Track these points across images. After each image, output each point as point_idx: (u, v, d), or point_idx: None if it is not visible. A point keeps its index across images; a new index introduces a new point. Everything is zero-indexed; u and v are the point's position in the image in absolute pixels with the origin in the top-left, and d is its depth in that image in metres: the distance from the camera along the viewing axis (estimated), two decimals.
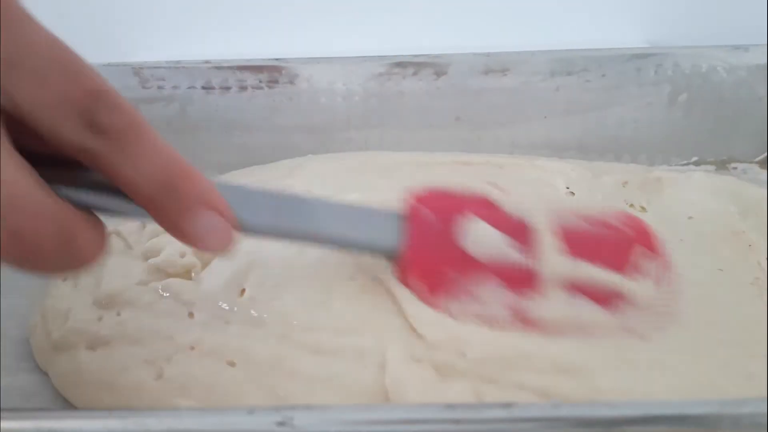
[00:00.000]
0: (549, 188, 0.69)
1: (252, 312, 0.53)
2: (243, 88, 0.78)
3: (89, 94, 0.35)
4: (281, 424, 0.36)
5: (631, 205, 0.68)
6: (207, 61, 0.77)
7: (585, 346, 0.50)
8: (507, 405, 0.36)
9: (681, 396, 0.45)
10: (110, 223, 0.40)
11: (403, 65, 0.77)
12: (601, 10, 0.80)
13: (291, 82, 0.77)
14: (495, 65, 0.77)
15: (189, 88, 0.78)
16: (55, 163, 0.37)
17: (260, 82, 0.78)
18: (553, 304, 0.51)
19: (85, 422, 0.36)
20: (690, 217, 0.67)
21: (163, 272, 0.57)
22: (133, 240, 0.62)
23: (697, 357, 0.49)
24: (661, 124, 0.77)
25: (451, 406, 0.36)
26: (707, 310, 0.55)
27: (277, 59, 0.77)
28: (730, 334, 0.52)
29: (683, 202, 0.69)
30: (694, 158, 0.78)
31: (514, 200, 0.57)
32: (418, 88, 0.78)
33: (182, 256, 0.57)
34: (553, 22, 0.80)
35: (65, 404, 0.50)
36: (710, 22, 0.79)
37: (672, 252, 0.62)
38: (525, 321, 0.50)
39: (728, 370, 0.48)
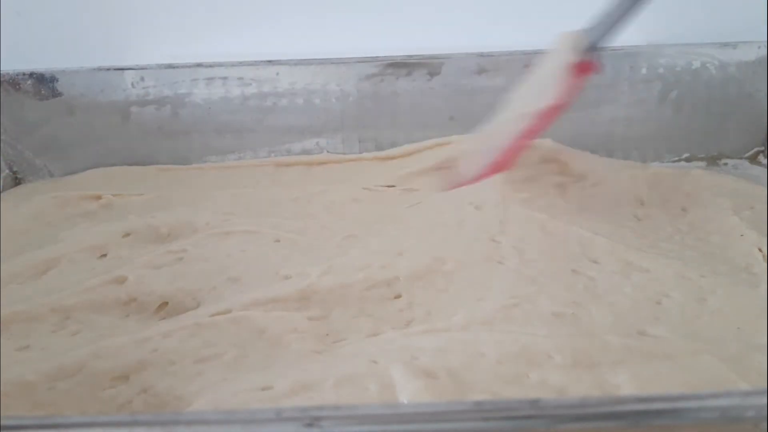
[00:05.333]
0: None
1: None
2: (236, 90, 0.78)
3: None
4: (309, 425, 0.36)
5: None
6: (199, 64, 0.77)
7: (598, 341, 0.50)
8: (534, 401, 0.36)
9: (694, 389, 0.46)
10: None
11: (397, 66, 0.77)
12: (594, 10, 0.80)
13: (285, 84, 0.77)
14: (488, 65, 0.77)
15: (181, 90, 0.77)
16: None
17: (253, 83, 0.77)
18: None
19: (110, 429, 0.35)
20: (683, 209, 0.68)
21: None
22: None
23: (708, 349, 0.50)
24: (652, 121, 0.78)
25: (479, 403, 0.36)
26: (708, 299, 0.56)
27: (270, 61, 0.77)
28: (735, 324, 0.53)
29: (679, 196, 0.70)
30: (686, 154, 0.79)
31: None
32: (411, 88, 0.78)
33: None
34: (545, 22, 0.80)
35: None
36: (701, 20, 0.80)
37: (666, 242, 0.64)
38: None
39: (739, 363, 0.49)
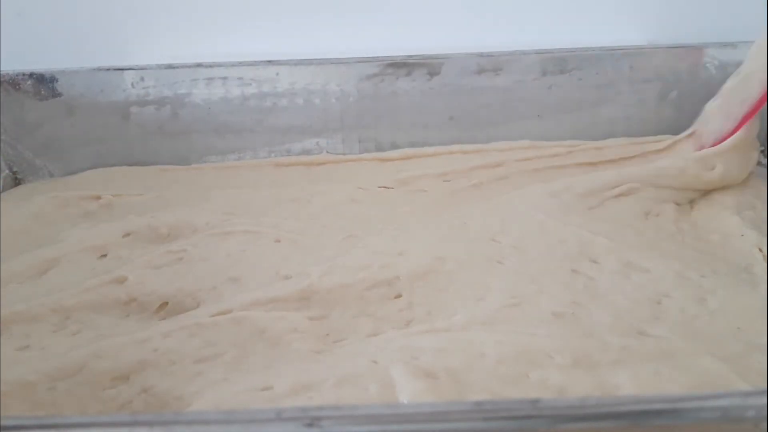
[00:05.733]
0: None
1: None
2: (235, 90, 0.78)
3: None
4: (309, 425, 0.36)
5: None
6: (199, 64, 0.77)
7: (597, 341, 0.50)
8: (535, 401, 0.36)
9: (694, 389, 0.46)
10: None
11: (397, 66, 0.77)
12: (594, 10, 0.81)
13: (285, 84, 0.77)
14: (488, 65, 0.77)
15: (181, 90, 0.77)
16: None
17: (253, 83, 0.77)
18: None
19: (110, 429, 0.35)
20: (691, 201, 0.69)
21: None
22: None
23: (708, 349, 0.50)
24: (652, 121, 0.78)
25: (479, 403, 0.36)
26: (708, 299, 0.56)
27: (269, 61, 0.77)
28: (735, 324, 0.53)
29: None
30: None
31: None
32: (411, 88, 0.78)
33: None
34: (545, 22, 0.81)
35: None
36: (700, 20, 0.80)
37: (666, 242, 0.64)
38: None
39: (739, 363, 0.48)
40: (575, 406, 0.36)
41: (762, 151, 0.77)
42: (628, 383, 0.47)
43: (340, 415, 0.37)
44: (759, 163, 0.76)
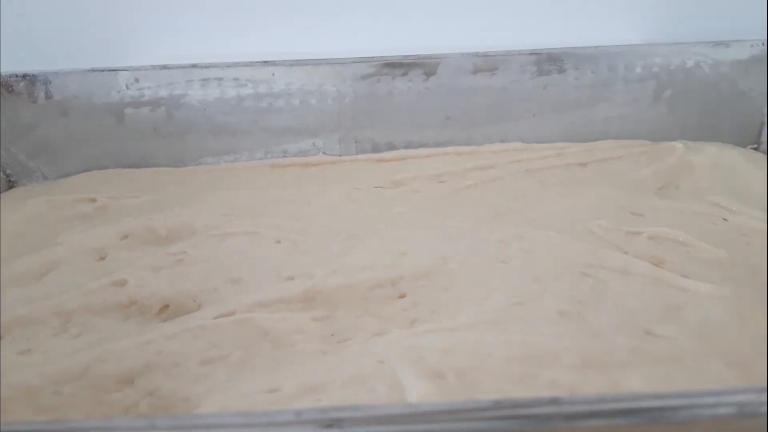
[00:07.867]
0: None
1: None
2: (231, 91, 0.77)
3: None
4: (329, 426, 0.35)
5: None
6: (194, 65, 0.77)
7: (605, 341, 0.50)
8: (554, 399, 0.36)
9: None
10: None
11: (393, 66, 0.77)
12: (589, 9, 0.81)
13: (281, 84, 0.77)
14: (484, 65, 0.77)
15: (176, 91, 0.77)
16: None
17: (249, 84, 0.77)
18: None
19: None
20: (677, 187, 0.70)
21: None
22: None
23: (716, 352, 0.50)
24: (646, 120, 0.79)
25: (497, 402, 0.36)
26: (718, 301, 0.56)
27: (265, 62, 0.77)
28: (743, 327, 0.53)
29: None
30: None
31: None
32: (407, 88, 0.78)
33: None
34: (541, 21, 0.81)
35: None
36: (695, 19, 0.80)
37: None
38: None
39: (746, 368, 0.48)
40: (593, 403, 0.37)
41: (755, 149, 0.78)
42: (638, 383, 0.47)
43: (360, 416, 0.36)
44: None
